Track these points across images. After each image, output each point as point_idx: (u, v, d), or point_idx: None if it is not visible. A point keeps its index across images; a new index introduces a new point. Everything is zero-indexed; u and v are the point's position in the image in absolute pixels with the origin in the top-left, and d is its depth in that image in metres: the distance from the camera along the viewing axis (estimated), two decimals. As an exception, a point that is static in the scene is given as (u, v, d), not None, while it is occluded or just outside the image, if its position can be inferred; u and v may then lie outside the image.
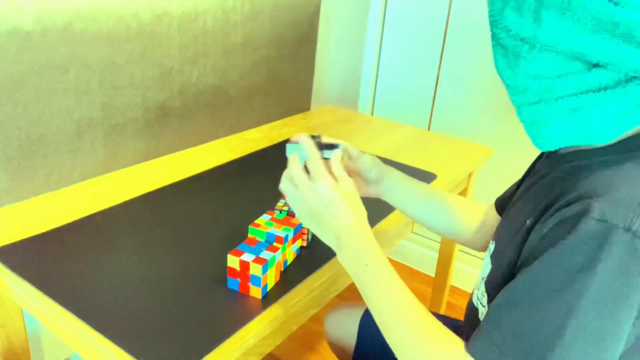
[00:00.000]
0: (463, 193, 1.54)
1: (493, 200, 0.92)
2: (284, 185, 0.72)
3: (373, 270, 0.65)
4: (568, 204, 0.54)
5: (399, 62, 2.03)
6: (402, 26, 1.99)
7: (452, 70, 1.91)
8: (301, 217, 0.71)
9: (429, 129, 2.02)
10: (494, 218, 0.89)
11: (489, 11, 0.61)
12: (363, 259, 0.66)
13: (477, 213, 0.92)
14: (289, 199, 0.71)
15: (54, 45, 1.01)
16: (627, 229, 0.50)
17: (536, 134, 0.63)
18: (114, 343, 0.69)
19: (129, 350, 0.68)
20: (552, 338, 0.51)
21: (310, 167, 0.70)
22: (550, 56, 0.56)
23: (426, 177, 1.29)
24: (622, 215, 0.50)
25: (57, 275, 0.81)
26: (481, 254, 2.04)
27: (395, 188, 0.90)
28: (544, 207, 0.59)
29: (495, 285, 0.66)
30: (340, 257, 0.69)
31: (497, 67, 0.63)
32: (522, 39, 0.56)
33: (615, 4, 0.49)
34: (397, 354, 0.62)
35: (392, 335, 0.62)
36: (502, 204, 0.87)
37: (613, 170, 0.55)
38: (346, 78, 2.04)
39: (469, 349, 0.56)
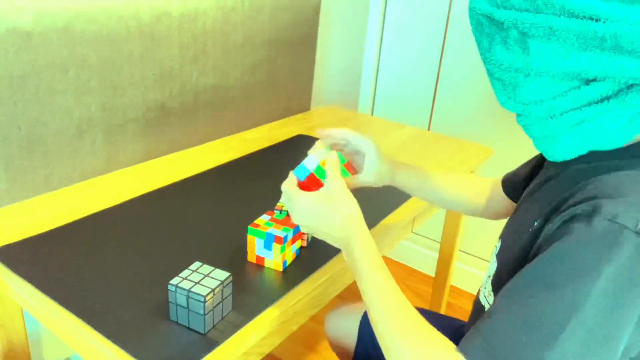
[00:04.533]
0: (463, 193, 1.54)
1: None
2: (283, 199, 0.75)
3: (366, 276, 0.65)
4: (577, 204, 0.53)
5: (399, 62, 2.03)
6: (402, 26, 1.99)
7: (452, 71, 1.91)
8: (302, 228, 0.74)
9: (429, 129, 2.02)
10: (501, 194, 0.92)
11: (479, 50, 0.61)
12: (354, 265, 0.66)
13: (484, 188, 0.96)
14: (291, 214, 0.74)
15: (54, 45, 1.01)
16: (638, 232, 0.50)
17: (547, 148, 0.63)
18: (114, 343, 0.69)
19: (129, 350, 0.68)
20: (551, 336, 0.50)
21: (284, 192, 0.74)
22: (546, 80, 0.57)
23: (426, 177, 1.29)
24: (633, 217, 0.50)
25: (57, 275, 0.81)
26: (481, 254, 2.04)
27: (407, 186, 0.94)
28: (552, 208, 0.59)
29: (501, 283, 0.65)
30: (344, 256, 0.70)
31: (499, 99, 0.64)
32: (516, 70, 0.57)
33: (597, 20, 0.50)
34: (386, 354, 0.60)
35: (382, 334, 0.60)
36: (510, 186, 0.90)
37: (623, 174, 0.55)
38: (346, 78, 2.04)
39: (460, 348, 0.54)
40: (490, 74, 0.62)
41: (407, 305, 0.61)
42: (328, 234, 0.70)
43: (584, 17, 0.50)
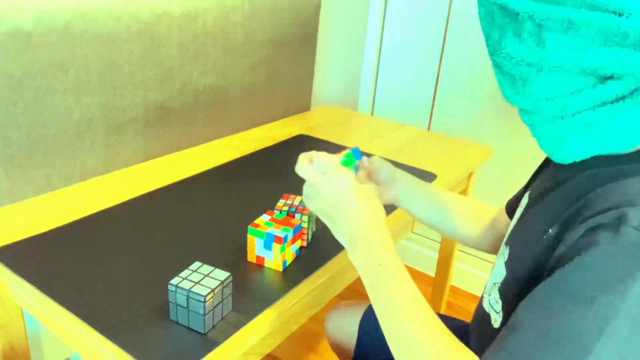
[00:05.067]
0: (463, 193, 1.54)
1: (498, 202, 0.92)
2: (305, 187, 0.69)
3: (386, 270, 0.61)
4: (601, 212, 0.51)
5: (399, 62, 2.03)
6: (402, 26, 1.99)
7: (452, 71, 1.91)
8: (318, 214, 0.68)
9: (429, 129, 2.02)
10: (505, 221, 0.89)
11: (486, 41, 0.58)
12: (376, 256, 0.63)
13: (488, 216, 0.92)
14: (306, 198, 0.69)
15: (54, 45, 1.01)
16: None
17: (553, 150, 0.60)
18: (114, 343, 0.69)
19: (129, 350, 0.68)
20: (583, 350, 0.47)
21: (321, 165, 0.67)
22: (560, 76, 0.54)
23: (426, 177, 1.29)
24: None
25: (57, 275, 0.81)
26: (481, 254, 2.04)
27: (409, 195, 0.90)
28: (569, 215, 0.56)
29: (511, 292, 0.63)
30: (352, 251, 0.65)
31: (504, 93, 0.61)
32: (528, 64, 0.54)
33: (620, 14, 0.48)
34: None
35: (399, 340, 0.57)
36: (513, 207, 0.86)
37: None
38: (346, 78, 2.04)
39: None
40: (497, 66, 0.59)
41: (430, 311, 0.58)
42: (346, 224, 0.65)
43: (607, 10, 0.48)
